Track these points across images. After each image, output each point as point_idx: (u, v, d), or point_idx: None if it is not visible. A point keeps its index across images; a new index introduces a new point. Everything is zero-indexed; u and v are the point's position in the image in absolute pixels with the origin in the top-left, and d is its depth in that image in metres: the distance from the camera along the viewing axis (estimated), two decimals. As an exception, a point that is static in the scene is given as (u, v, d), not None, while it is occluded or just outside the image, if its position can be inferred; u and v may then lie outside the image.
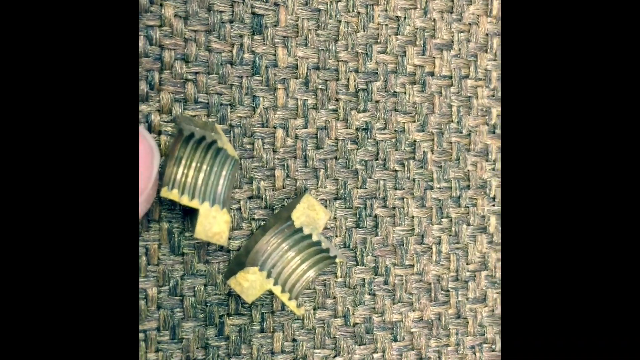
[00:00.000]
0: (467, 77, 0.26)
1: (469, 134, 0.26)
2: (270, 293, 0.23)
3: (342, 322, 0.24)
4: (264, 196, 0.23)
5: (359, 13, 0.24)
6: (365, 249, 0.25)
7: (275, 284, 0.21)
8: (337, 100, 0.24)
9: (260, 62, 0.23)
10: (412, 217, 0.25)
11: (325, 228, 0.24)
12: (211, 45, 0.22)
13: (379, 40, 0.25)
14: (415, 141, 0.25)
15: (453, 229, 0.26)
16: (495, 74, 0.26)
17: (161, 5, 0.22)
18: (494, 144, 0.26)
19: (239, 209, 0.23)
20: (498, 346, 0.26)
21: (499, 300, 0.26)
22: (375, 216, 0.25)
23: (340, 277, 0.24)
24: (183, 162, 0.20)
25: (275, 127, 0.23)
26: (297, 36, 0.23)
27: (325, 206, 0.24)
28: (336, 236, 0.24)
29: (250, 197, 0.23)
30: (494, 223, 0.26)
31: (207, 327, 0.23)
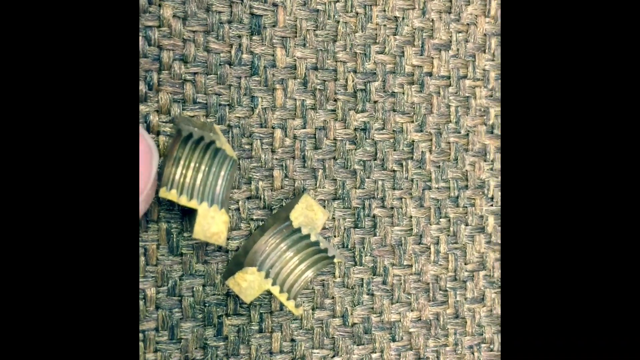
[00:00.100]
0: (465, 77, 0.26)
1: (467, 134, 0.26)
2: (269, 293, 0.23)
3: (341, 322, 0.24)
4: (262, 196, 0.23)
5: (357, 13, 0.24)
6: (364, 249, 0.25)
7: (274, 284, 0.21)
8: (335, 100, 0.24)
9: (259, 63, 0.23)
10: (411, 217, 0.25)
11: (324, 228, 0.24)
12: (210, 46, 0.22)
13: (377, 41, 0.25)
14: (413, 141, 0.25)
15: (451, 229, 0.26)
16: (494, 74, 0.26)
17: (160, 5, 0.22)
18: (492, 144, 0.26)
19: (238, 209, 0.23)
20: (496, 346, 0.27)
21: (497, 300, 0.27)
22: (374, 216, 0.25)
23: (339, 277, 0.24)
24: (182, 162, 0.20)
25: (273, 128, 0.23)
26: (296, 36, 0.23)
27: (324, 206, 0.24)
28: (334, 236, 0.24)
29: (248, 198, 0.23)
30: (492, 223, 0.26)
31: (205, 328, 0.23)
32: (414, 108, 0.25)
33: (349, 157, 0.24)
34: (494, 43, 0.26)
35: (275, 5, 0.23)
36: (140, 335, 0.22)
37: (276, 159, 0.23)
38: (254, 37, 0.23)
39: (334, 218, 0.24)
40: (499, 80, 0.26)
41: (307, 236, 0.21)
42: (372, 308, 0.25)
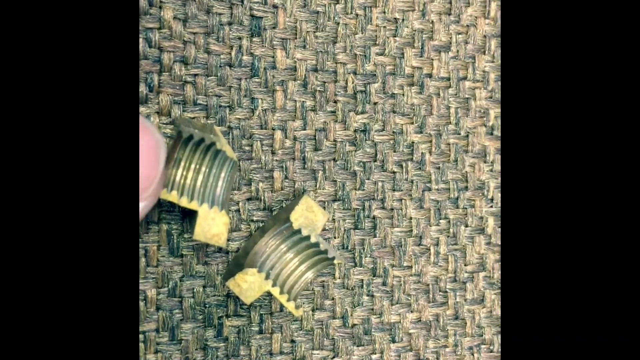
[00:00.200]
0: (465, 78, 0.26)
1: (467, 136, 0.26)
2: (269, 294, 0.23)
3: (341, 323, 0.24)
4: (262, 198, 0.23)
5: (357, 15, 0.24)
6: (364, 250, 0.25)
7: (274, 285, 0.21)
8: (335, 101, 0.24)
9: (259, 64, 0.23)
10: (411, 218, 0.25)
11: (324, 229, 0.24)
12: (210, 48, 0.23)
13: (377, 42, 0.25)
14: (413, 143, 0.25)
15: (451, 230, 0.26)
16: (493, 76, 0.26)
17: (160, 7, 0.22)
18: (492, 146, 0.26)
19: (238, 210, 0.23)
20: (496, 347, 0.27)
21: (497, 301, 0.27)
22: (374, 217, 0.25)
23: (339, 278, 0.24)
24: (182, 163, 0.20)
25: (273, 129, 0.23)
26: (296, 38, 0.24)
27: (324, 208, 0.24)
28: (334, 237, 0.24)
29: (249, 199, 0.23)
30: (491, 224, 0.26)
31: (206, 328, 0.23)
32: (413, 109, 0.25)
33: (349, 158, 0.24)
34: (494, 44, 0.26)
35: (275, 7, 0.23)
36: (141, 336, 0.22)
37: (276, 160, 0.23)
38: (254, 39, 0.23)
39: (334, 219, 0.24)
40: (499, 82, 0.26)
41: (307, 237, 0.21)
42: (372, 309, 0.25)
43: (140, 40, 0.22)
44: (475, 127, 0.26)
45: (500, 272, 0.27)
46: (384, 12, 0.25)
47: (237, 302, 0.23)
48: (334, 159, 0.24)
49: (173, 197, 0.20)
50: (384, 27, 0.25)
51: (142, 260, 0.22)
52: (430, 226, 0.26)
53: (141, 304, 0.22)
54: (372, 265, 0.25)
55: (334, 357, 0.24)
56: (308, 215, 0.22)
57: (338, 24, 0.24)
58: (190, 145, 0.20)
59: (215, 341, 0.23)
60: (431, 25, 0.25)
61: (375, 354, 0.25)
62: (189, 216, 0.22)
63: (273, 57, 0.23)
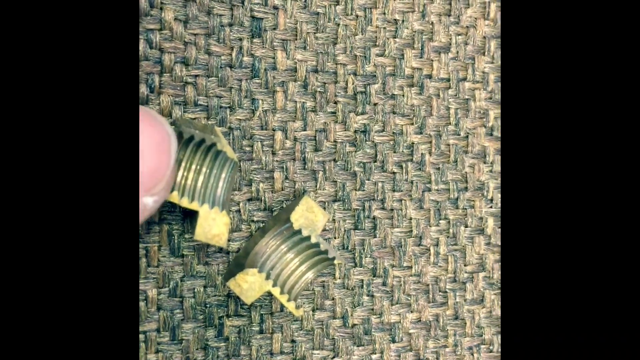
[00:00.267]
0: (464, 79, 0.26)
1: (467, 136, 0.26)
2: (270, 294, 0.23)
3: (341, 323, 0.24)
4: (263, 198, 0.23)
5: (357, 16, 0.24)
6: (364, 250, 0.25)
7: (274, 285, 0.21)
8: (335, 102, 0.24)
9: (260, 65, 0.23)
10: (410, 218, 0.25)
11: (324, 230, 0.24)
12: (211, 49, 0.23)
13: (377, 43, 0.25)
14: (413, 143, 0.25)
15: (451, 230, 0.26)
16: (493, 77, 0.26)
17: (161, 8, 0.22)
18: (492, 146, 0.26)
19: (239, 211, 0.23)
20: (496, 347, 0.27)
21: (496, 302, 0.27)
22: (374, 218, 0.25)
23: (339, 278, 0.24)
24: (183, 164, 0.20)
25: (274, 130, 0.23)
26: (296, 39, 0.24)
27: (324, 208, 0.24)
28: (335, 238, 0.24)
29: (249, 199, 0.23)
30: (491, 225, 0.27)
31: (206, 328, 0.23)
32: (413, 110, 0.25)
33: (349, 159, 0.24)
34: (494, 45, 0.26)
35: (275, 8, 0.23)
36: (142, 336, 0.22)
37: (277, 161, 0.24)
38: (254, 40, 0.23)
39: (334, 220, 0.24)
40: (499, 83, 0.26)
41: (308, 238, 0.22)
42: (372, 309, 0.25)
43: (141, 41, 0.22)
44: (475, 127, 0.26)
45: (499, 273, 0.27)
46: (384, 14, 0.25)
47: (237, 302, 0.23)
48: (334, 160, 0.24)
49: (174, 197, 0.20)
50: (384, 28, 0.25)
51: (143, 261, 0.22)
52: (430, 226, 0.26)
53: (142, 304, 0.22)
54: (372, 266, 0.25)
55: (334, 357, 0.24)
56: (308, 216, 0.22)
57: (338, 25, 0.24)
58: (191, 146, 0.20)
59: (216, 341, 0.23)
60: (431, 26, 0.26)
61: (375, 354, 0.25)
62: (190, 217, 0.22)
63: (273, 58, 0.23)
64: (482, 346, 0.26)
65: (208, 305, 0.23)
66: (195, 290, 0.23)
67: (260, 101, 0.23)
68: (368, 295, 0.25)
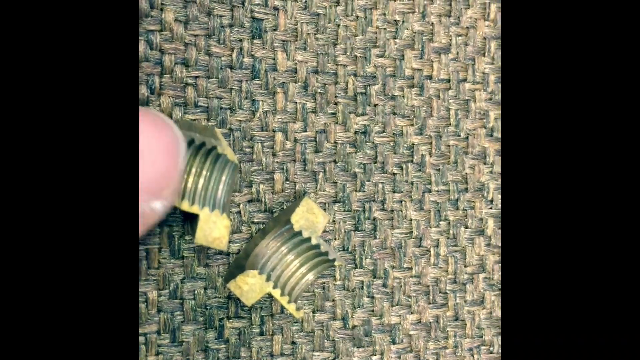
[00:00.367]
0: (465, 80, 0.26)
1: (467, 137, 0.26)
2: (270, 296, 0.23)
3: (341, 325, 0.24)
4: (263, 199, 0.23)
5: (357, 17, 0.24)
6: (364, 251, 0.25)
7: (275, 287, 0.21)
8: (335, 103, 0.24)
9: (260, 66, 0.23)
10: (411, 220, 0.25)
11: (324, 231, 0.24)
12: (211, 50, 0.23)
13: (377, 44, 0.25)
14: (413, 144, 0.25)
15: (451, 231, 0.26)
16: (493, 77, 0.26)
17: (161, 9, 0.22)
18: (492, 147, 0.26)
19: (239, 212, 0.23)
20: (496, 348, 0.27)
21: (496, 303, 0.27)
22: (374, 219, 0.25)
23: (339, 280, 0.24)
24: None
25: (274, 131, 0.23)
26: (296, 40, 0.24)
27: (324, 209, 0.24)
28: (335, 239, 0.24)
29: (249, 201, 0.23)
30: (491, 225, 0.27)
31: (207, 330, 0.23)
32: (413, 111, 0.25)
33: (349, 160, 0.24)
34: (494, 46, 0.26)
35: (276, 9, 0.23)
36: (142, 338, 0.22)
37: (277, 162, 0.24)
38: (255, 41, 0.23)
39: (334, 221, 0.24)
40: (499, 84, 0.26)
41: (308, 239, 0.22)
42: (373, 310, 0.25)
43: (142, 42, 0.22)
44: (475, 128, 0.26)
45: (500, 274, 0.27)
46: (384, 14, 0.25)
47: (238, 303, 0.23)
48: (334, 161, 0.24)
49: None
50: (384, 29, 0.25)
51: (144, 263, 0.22)
52: (430, 227, 0.26)
53: (142, 306, 0.22)
54: (373, 267, 0.25)
55: (334, 359, 0.24)
56: (309, 217, 0.22)
57: (338, 26, 0.24)
58: (191, 150, 0.20)
59: (216, 343, 0.23)
60: (431, 27, 0.25)
61: (376, 355, 0.25)
62: (190, 219, 0.22)
63: (274, 59, 0.23)
64: (483, 347, 0.26)
65: (208, 307, 0.23)
66: (196, 292, 0.23)
67: (260, 102, 0.23)
68: (368, 297, 0.25)
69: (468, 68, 0.26)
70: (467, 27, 0.26)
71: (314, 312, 0.24)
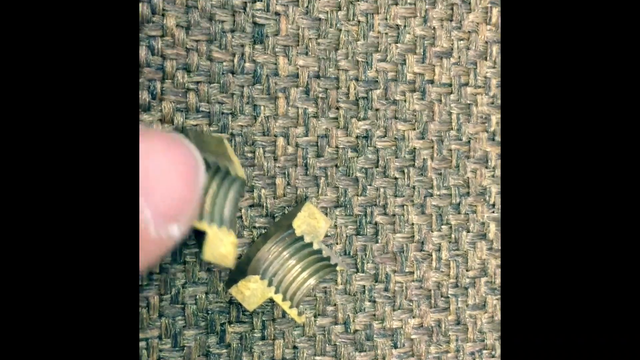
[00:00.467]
0: (466, 84, 0.26)
1: (469, 141, 0.26)
2: (272, 301, 0.23)
3: (343, 329, 0.24)
4: (264, 204, 0.23)
5: (359, 22, 0.24)
6: (366, 256, 0.25)
7: (277, 292, 0.21)
8: (337, 108, 0.24)
9: (261, 71, 0.23)
10: (412, 224, 0.25)
11: (326, 236, 0.24)
12: (212, 55, 0.23)
13: (379, 49, 0.25)
14: (415, 149, 0.25)
15: (453, 235, 0.26)
16: (495, 82, 0.26)
17: (163, 15, 0.22)
18: (494, 151, 0.26)
19: (240, 217, 0.23)
20: (498, 352, 0.27)
21: (498, 307, 0.27)
22: (376, 223, 0.25)
23: (341, 284, 0.24)
24: None
25: (276, 136, 0.23)
26: (298, 45, 0.24)
27: (326, 214, 0.24)
28: (337, 244, 0.24)
29: (251, 206, 0.23)
30: (493, 230, 0.27)
31: (208, 335, 0.23)
32: (415, 115, 0.25)
33: (351, 164, 0.24)
34: (495, 50, 0.26)
35: (277, 14, 0.23)
36: (144, 343, 0.22)
37: (278, 167, 0.24)
38: (256, 46, 0.23)
39: (336, 225, 0.24)
40: (500, 88, 0.26)
41: (310, 244, 0.22)
42: (374, 315, 0.25)
43: (143, 47, 0.22)
44: (476, 132, 0.26)
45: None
46: (386, 19, 0.25)
47: (239, 308, 0.23)
48: (336, 165, 0.24)
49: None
50: (386, 33, 0.25)
51: (145, 267, 0.22)
52: (432, 232, 0.26)
53: (144, 310, 0.22)
54: (374, 271, 0.25)
55: (336, 363, 0.24)
56: (310, 222, 0.22)
57: (340, 30, 0.24)
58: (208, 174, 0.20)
59: (218, 347, 0.23)
60: (433, 31, 0.25)
61: (378, 359, 0.25)
62: (196, 233, 0.22)
63: (275, 64, 0.23)
64: (484, 351, 0.26)
65: (210, 312, 0.23)
66: (197, 297, 0.23)
67: (262, 107, 0.23)
68: (370, 301, 0.25)
69: (470, 72, 0.26)
70: (469, 32, 0.26)
71: (315, 316, 0.24)
